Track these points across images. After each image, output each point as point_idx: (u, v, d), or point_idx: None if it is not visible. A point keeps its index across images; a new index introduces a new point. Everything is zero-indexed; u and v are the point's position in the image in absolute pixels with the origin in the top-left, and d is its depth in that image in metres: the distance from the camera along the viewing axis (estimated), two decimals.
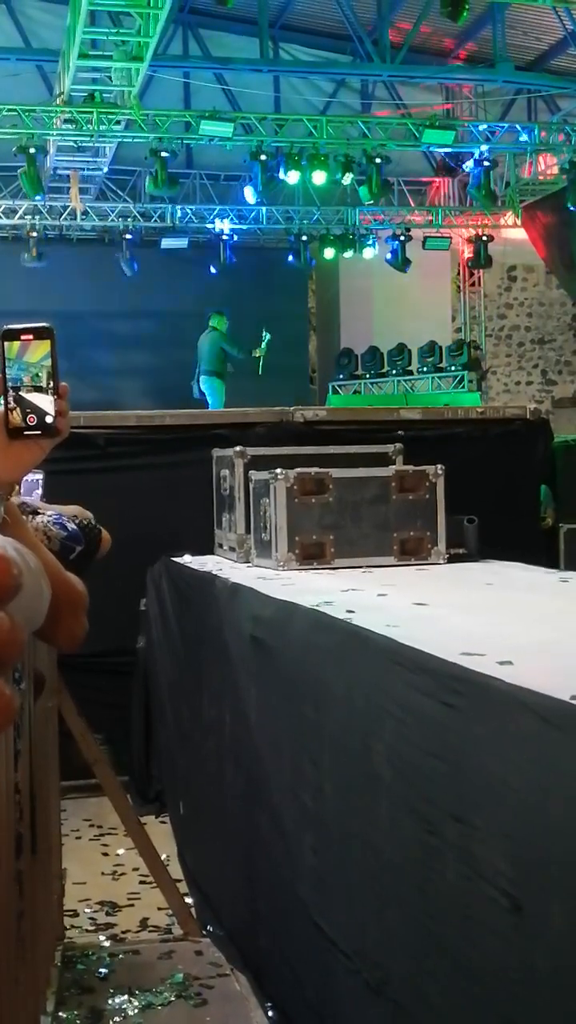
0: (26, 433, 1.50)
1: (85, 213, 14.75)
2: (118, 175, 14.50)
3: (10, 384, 1.50)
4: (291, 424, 5.55)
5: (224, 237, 15.12)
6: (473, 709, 1.57)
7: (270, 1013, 2.76)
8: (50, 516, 2.87)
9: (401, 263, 15.11)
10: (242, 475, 3.96)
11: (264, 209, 15.11)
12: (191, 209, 15.15)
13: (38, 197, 13.02)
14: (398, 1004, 1.79)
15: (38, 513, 2.85)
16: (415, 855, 1.69)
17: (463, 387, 14.86)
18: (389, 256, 15.21)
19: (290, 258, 15.65)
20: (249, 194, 13.59)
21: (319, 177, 13.04)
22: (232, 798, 3.13)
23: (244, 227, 15.56)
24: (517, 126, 13.85)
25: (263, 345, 12.33)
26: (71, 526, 2.92)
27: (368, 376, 15.39)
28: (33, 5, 13.83)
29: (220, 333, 12.41)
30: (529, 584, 3.16)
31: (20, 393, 1.50)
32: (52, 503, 3.09)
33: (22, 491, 3.05)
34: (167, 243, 15.27)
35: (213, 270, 15.08)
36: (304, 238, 15.57)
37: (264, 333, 12.30)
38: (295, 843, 2.43)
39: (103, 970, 3.35)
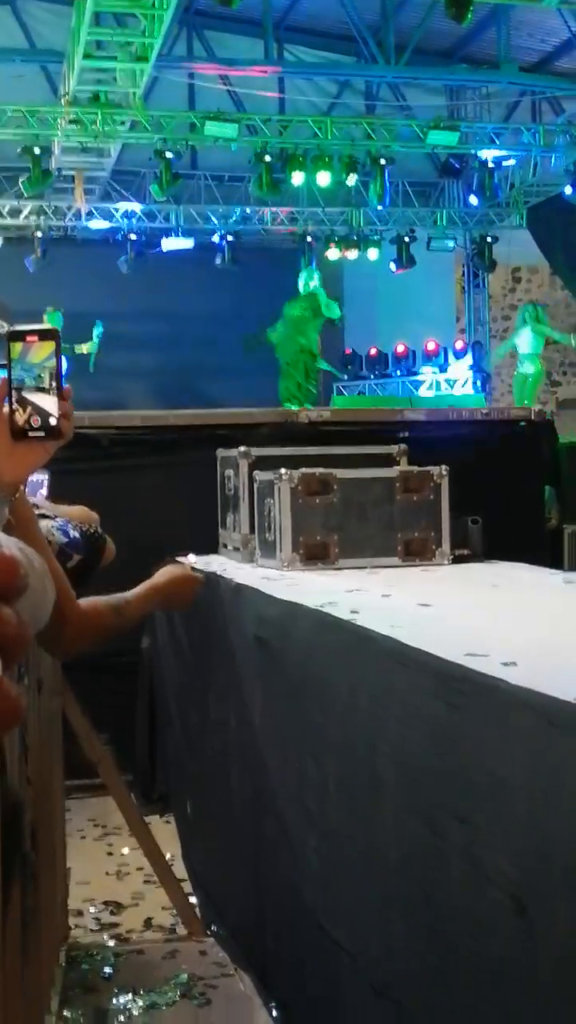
0: (30, 435, 1.50)
1: (90, 213, 14.77)
2: (123, 176, 14.51)
3: (13, 385, 1.50)
4: (295, 425, 5.56)
5: (229, 238, 15.12)
6: (477, 710, 1.57)
7: (274, 1013, 2.76)
8: (56, 523, 2.85)
9: (405, 264, 15.10)
10: (246, 475, 3.95)
11: (269, 210, 15.11)
12: (195, 210, 15.16)
13: (42, 198, 13.03)
14: (402, 1006, 1.79)
15: (45, 517, 2.83)
16: (419, 857, 1.69)
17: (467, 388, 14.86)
18: (393, 259, 15.21)
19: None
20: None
21: (323, 178, 13.04)
22: (238, 798, 3.13)
23: (249, 228, 15.56)
24: (522, 127, 13.84)
25: (94, 339, 11.23)
26: (74, 533, 2.91)
27: (372, 377, 15.39)
28: (37, 6, 13.85)
29: None
30: (534, 585, 3.16)
31: (23, 394, 1.49)
32: (56, 504, 3.08)
33: (27, 491, 3.04)
34: (172, 244, 15.27)
35: (218, 267, 15.06)
36: (309, 239, 15.56)
37: (96, 324, 11.21)
38: (300, 843, 2.43)
39: (107, 970, 3.35)
